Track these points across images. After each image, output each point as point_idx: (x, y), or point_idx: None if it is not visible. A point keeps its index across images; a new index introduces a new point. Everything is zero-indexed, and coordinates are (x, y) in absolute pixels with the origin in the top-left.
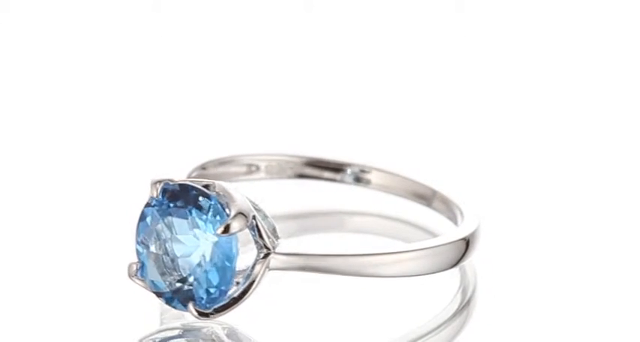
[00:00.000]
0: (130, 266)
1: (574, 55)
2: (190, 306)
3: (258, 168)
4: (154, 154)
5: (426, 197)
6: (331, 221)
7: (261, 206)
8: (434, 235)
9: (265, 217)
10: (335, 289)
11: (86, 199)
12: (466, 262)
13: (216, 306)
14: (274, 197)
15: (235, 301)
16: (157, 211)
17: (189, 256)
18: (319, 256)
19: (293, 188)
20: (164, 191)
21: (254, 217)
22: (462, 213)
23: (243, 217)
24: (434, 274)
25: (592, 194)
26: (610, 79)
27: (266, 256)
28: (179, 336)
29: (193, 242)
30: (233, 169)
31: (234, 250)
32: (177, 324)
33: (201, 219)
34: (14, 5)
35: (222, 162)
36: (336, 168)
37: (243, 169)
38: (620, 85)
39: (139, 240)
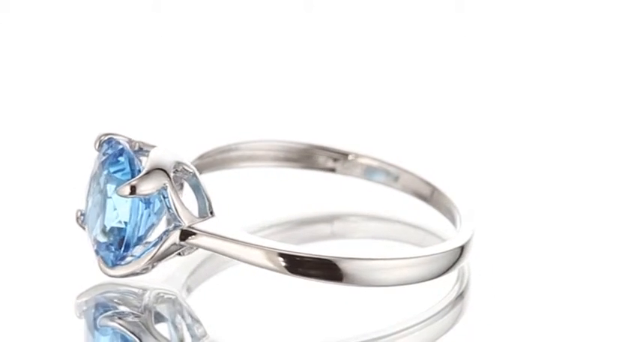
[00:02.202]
0: (75, 212)
1: (573, 55)
2: (99, 260)
3: (258, 155)
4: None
5: (425, 196)
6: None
7: (202, 180)
8: (430, 234)
9: (200, 191)
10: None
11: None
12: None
13: (118, 265)
14: (270, 194)
15: (136, 265)
16: (101, 164)
17: (106, 212)
18: (237, 241)
19: (290, 184)
20: (110, 146)
21: (168, 186)
22: (459, 214)
23: (153, 181)
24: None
25: (589, 195)
26: (609, 79)
27: (176, 228)
28: (114, 291)
29: (110, 200)
30: (234, 156)
31: (144, 214)
32: (120, 281)
33: (123, 179)
34: (14, 5)
35: (222, 150)
36: (344, 159)
37: (244, 156)
38: (619, 85)
39: (87, 189)
